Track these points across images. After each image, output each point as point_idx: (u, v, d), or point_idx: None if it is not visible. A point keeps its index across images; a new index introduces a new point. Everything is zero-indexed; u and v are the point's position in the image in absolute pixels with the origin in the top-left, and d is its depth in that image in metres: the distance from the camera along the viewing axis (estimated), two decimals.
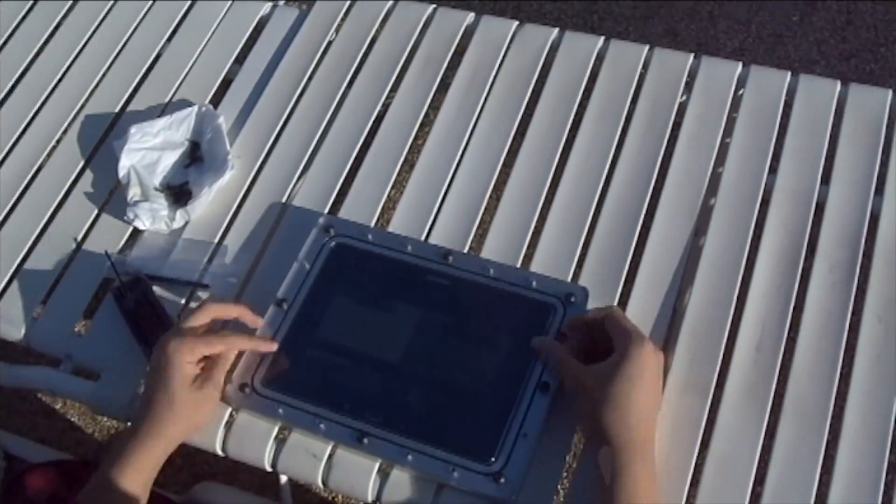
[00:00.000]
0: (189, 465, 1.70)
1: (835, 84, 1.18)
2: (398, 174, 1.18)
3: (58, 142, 1.28)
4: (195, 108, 1.24)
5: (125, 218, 1.17)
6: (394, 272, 1.07)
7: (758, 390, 0.98)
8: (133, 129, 1.21)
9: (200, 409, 0.98)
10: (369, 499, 0.98)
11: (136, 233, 1.18)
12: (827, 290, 1.04)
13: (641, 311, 1.04)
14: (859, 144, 1.13)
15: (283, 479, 1.34)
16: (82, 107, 1.31)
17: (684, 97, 1.20)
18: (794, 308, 1.03)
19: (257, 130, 1.25)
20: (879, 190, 1.10)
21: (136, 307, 1.09)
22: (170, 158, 1.23)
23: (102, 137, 1.28)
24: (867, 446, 0.95)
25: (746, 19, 2.12)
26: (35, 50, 1.37)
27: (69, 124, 1.30)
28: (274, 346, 1.03)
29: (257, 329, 1.04)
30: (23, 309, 1.14)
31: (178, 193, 1.20)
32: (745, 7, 2.14)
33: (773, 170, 1.12)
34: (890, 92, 1.17)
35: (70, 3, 1.41)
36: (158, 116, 1.24)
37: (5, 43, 1.39)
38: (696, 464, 0.95)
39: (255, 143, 1.23)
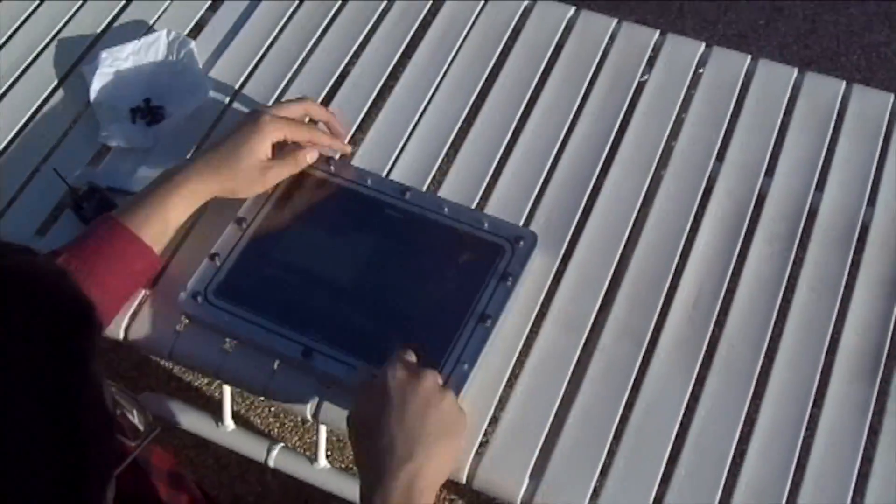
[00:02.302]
0: (132, 387, 1.72)
1: (792, 70, 1.23)
2: (364, 116, 1.22)
3: (30, 64, 1.29)
4: (163, 32, 1.26)
5: (97, 138, 1.19)
6: (352, 202, 1.10)
7: (690, 344, 1.03)
8: (104, 54, 1.23)
9: (258, 181, 1.07)
10: (308, 414, 1.01)
11: (106, 151, 1.20)
12: (765, 259, 1.09)
13: (586, 260, 1.08)
14: (810, 129, 1.18)
15: (227, 395, 1.37)
16: (59, 32, 1.33)
17: (646, 76, 1.24)
18: (733, 273, 1.08)
19: (234, 61, 1.27)
20: (825, 169, 1.16)
21: (97, 214, 1.11)
22: (139, 81, 1.25)
23: (76, 63, 1.30)
24: (791, 404, 1.00)
25: (714, 18, 2.18)
26: None
27: (43, 48, 1.31)
28: (349, 149, 1.15)
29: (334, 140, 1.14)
30: None
31: (150, 114, 1.22)
32: (715, 6, 2.21)
33: (725, 146, 1.17)
34: (843, 83, 1.22)
35: None
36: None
37: None
38: (623, 408, 1.00)
39: (230, 73, 1.26)
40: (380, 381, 0.90)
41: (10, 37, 1.32)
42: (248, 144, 1.04)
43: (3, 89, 1.27)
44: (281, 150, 1.08)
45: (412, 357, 0.95)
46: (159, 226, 1.02)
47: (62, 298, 0.60)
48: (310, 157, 1.10)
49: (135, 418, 0.85)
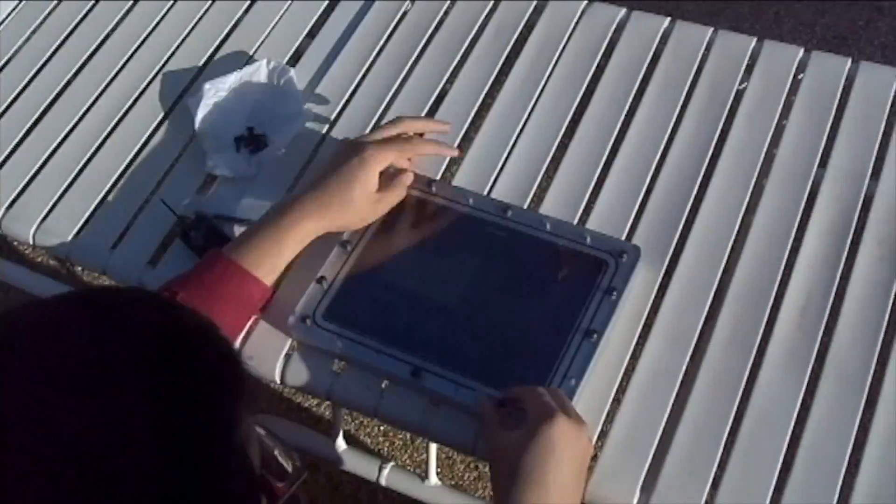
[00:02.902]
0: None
1: (894, 72, 1.21)
2: (463, 136, 1.23)
3: (139, 96, 1.35)
4: (263, 62, 1.30)
5: (203, 168, 1.23)
6: (455, 222, 1.12)
7: (800, 352, 1.02)
8: (207, 86, 1.28)
9: (369, 214, 1.10)
10: (417, 431, 1.03)
11: (212, 180, 1.24)
12: (874, 263, 1.07)
13: (691, 271, 1.08)
14: None
15: (338, 415, 1.39)
16: (164, 65, 1.38)
17: (745, 84, 1.23)
18: (841, 279, 1.06)
19: (332, 89, 1.30)
20: None
21: (206, 242, 1.15)
22: (242, 110, 1.29)
23: (181, 95, 1.34)
24: None
25: (812, 21, 2.15)
26: (124, 9, 1.44)
27: (150, 81, 1.36)
28: (457, 152, 1.19)
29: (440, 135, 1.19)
30: (102, 242, 1.21)
31: (253, 142, 1.26)
32: (812, 9, 2.17)
33: (828, 152, 1.16)
34: None
35: None
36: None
37: (96, 4, 1.46)
38: (734, 419, 0.99)
39: (330, 98, 1.29)
40: (542, 428, 0.88)
41: (118, 72, 1.37)
42: (357, 180, 1.07)
43: (113, 124, 1.32)
44: (384, 176, 1.11)
45: (565, 402, 0.94)
46: (272, 264, 1.05)
47: (209, 358, 0.61)
48: (410, 178, 1.12)
49: (282, 459, 0.87)
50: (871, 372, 1.00)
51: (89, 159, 1.29)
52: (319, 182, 1.08)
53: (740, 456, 0.97)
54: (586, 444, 0.91)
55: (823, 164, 1.15)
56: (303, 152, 1.24)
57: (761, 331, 1.03)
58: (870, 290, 1.05)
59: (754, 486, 0.95)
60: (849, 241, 1.08)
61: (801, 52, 1.24)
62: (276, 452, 0.86)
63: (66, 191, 1.26)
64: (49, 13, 1.46)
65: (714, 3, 2.19)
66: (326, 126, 1.27)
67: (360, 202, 1.07)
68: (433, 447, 1.45)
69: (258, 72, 1.29)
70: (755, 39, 1.26)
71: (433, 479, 1.46)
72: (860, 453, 0.96)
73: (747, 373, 1.01)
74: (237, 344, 1.08)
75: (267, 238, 1.05)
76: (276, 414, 1.75)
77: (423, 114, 1.25)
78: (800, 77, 1.23)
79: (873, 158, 1.15)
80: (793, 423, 0.98)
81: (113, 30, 1.42)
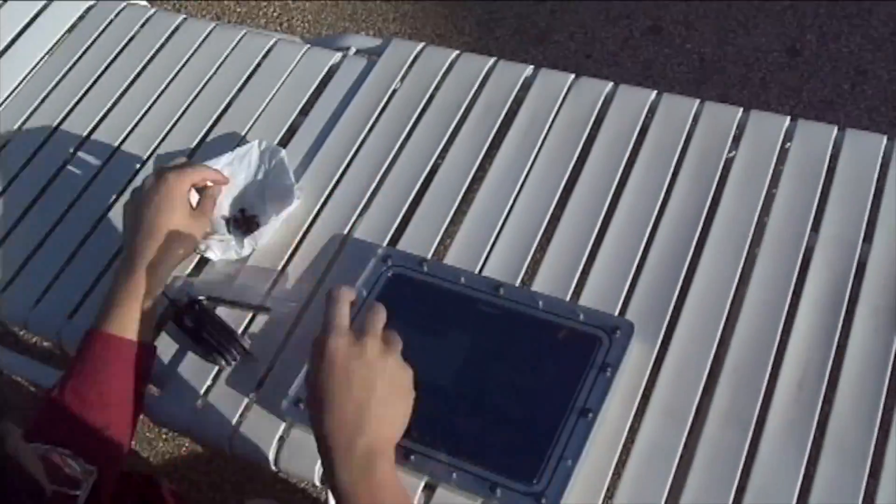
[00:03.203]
0: (238, 492, 1.75)
1: (881, 139, 1.21)
2: (455, 213, 1.24)
3: (132, 177, 1.36)
4: (255, 143, 1.30)
5: (196, 249, 1.23)
6: (447, 301, 1.11)
7: (799, 426, 1.01)
8: None
9: (196, 226, 1.17)
10: None
11: (203, 261, 1.24)
12: (870, 333, 1.06)
13: (685, 345, 1.07)
14: None
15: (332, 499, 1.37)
16: (157, 146, 1.39)
17: (733, 152, 1.24)
18: (837, 349, 1.06)
19: (323, 168, 1.31)
20: None
21: (198, 324, 1.15)
22: (234, 192, 1.29)
23: None
24: None
25: (797, 86, 2.17)
26: (118, 93, 1.46)
27: (144, 162, 1.37)
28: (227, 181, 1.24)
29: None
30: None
31: (245, 224, 1.26)
32: (797, 74, 2.20)
33: (818, 219, 1.16)
34: None
35: (154, 51, 1.50)
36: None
37: (94, 84, 1.48)
38: (734, 496, 0.97)
39: (320, 179, 1.29)
40: (323, 352, 0.89)
41: (112, 155, 1.39)
42: (167, 199, 1.13)
43: (106, 207, 1.32)
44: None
45: (345, 318, 0.92)
46: (138, 321, 1.08)
47: None
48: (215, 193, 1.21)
49: (70, 469, 0.90)
50: (873, 443, 0.99)
51: (83, 241, 1.30)
52: (134, 222, 1.14)
53: None
54: (376, 351, 0.91)
55: (815, 230, 1.15)
56: (295, 232, 1.24)
57: (759, 404, 1.02)
58: (867, 359, 1.04)
59: None
60: (843, 311, 1.08)
61: (788, 120, 1.25)
62: (63, 462, 0.90)
63: (59, 274, 1.27)
64: (44, 98, 1.48)
65: (702, 71, 2.22)
66: (319, 205, 1.27)
67: (178, 217, 1.14)
68: None
69: (250, 153, 1.30)
70: (741, 110, 1.27)
71: None
72: None
73: (746, 447, 1.00)
74: (230, 426, 1.08)
75: (122, 301, 1.08)
76: (272, 495, 1.72)
77: (413, 191, 1.26)
78: (787, 145, 1.23)
79: (864, 224, 1.15)
80: (795, 499, 0.97)
81: (107, 113, 1.44)
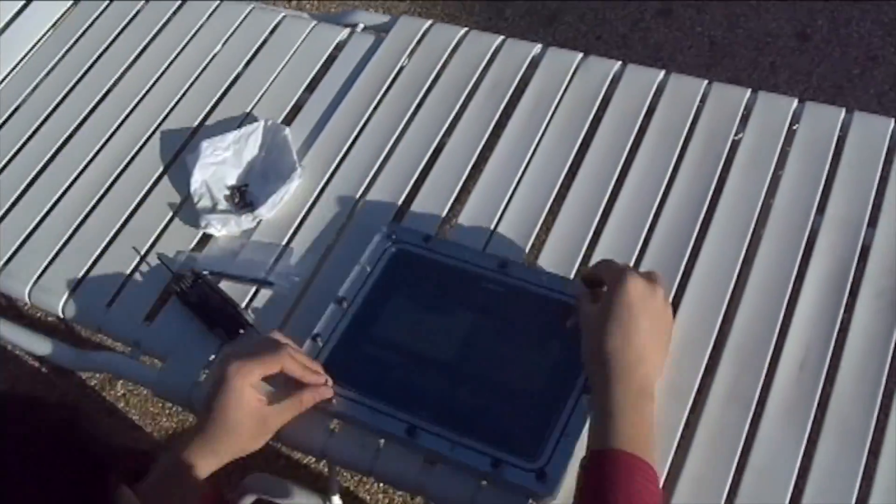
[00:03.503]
0: (240, 467, 1.75)
1: (889, 122, 1.21)
2: (460, 191, 1.24)
3: (137, 153, 1.36)
4: (262, 122, 1.30)
5: (198, 225, 1.23)
6: (451, 278, 1.11)
7: (800, 406, 1.01)
8: (205, 144, 1.28)
9: (262, 434, 1.01)
10: (413, 490, 1.02)
11: (207, 237, 1.24)
12: (873, 314, 1.06)
13: (689, 324, 1.07)
14: None
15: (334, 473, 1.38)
16: (162, 121, 1.39)
17: (740, 134, 1.23)
18: (840, 330, 1.05)
19: (328, 144, 1.31)
20: None
21: (201, 299, 1.15)
22: (239, 170, 1.30)
23: (178, 151, 1.35)
24: None
25: (808, 70, 2.16)
26: (123, 67, 1.46)
27: (148, 138, 1.37)
28: (330, 393, 1.04)
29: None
30: (97, 299, 1.21)
31: (247, 200, 1.26)
32: (808, 59, 2.18)
33: (824, 202, 1.15)
34: None
35: (161, 24, 1.50)
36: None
37: (98, 58, 1.48)
38: (734, 474, 0.98)
39: (325, 156, 1.29)
40: (623, 282, 0.96)
41: (116, 129, 1.39)
42: (230, 407, 0.97)
43: (110, 181, 1.33)
44: (276, 381, 1.02)
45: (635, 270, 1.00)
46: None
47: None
48: (309, 398, 1.02)
49: None
50: (874, 423, 0.99)
51: (86, 217, 1.30)
52: (201, 420, 0.98)
53: None
54: (662, 298, 0.99)
55: (820, 213, 1.15)
56: (297, 210, 1.24)
57: (760, 384, 1.02)
58: (869, 341, 1.04)
59: None
60: (846, 293, 1.08)
61: (796, 102, 1.24)
62: None
63: (62, 248, 1.27)
64: (49, 71, 1.48)
65: (712, 55, 2.21)
66: (322, 183, 1.27)
67: (244, 425, 0.98)
68: None
69: (255, 131, 1.30)
70: (750, 91, 1.26)
71: None
72: None
73: (748, 426, 1.00)
74: None
75: (170, 495, 0.95)
76: (274, 471, 1.73)
77: (418, 169, 1.26)
78: (795, 127, 1.23)
79: (870, 207, 1.14)
80: (794, 478, 0.97)
81: (112, 87, 1.44)
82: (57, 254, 1.26)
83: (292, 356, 1.01)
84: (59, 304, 1.22)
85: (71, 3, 1.58)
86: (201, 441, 0.97)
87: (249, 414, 0.98)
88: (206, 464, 0.97)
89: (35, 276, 1.25)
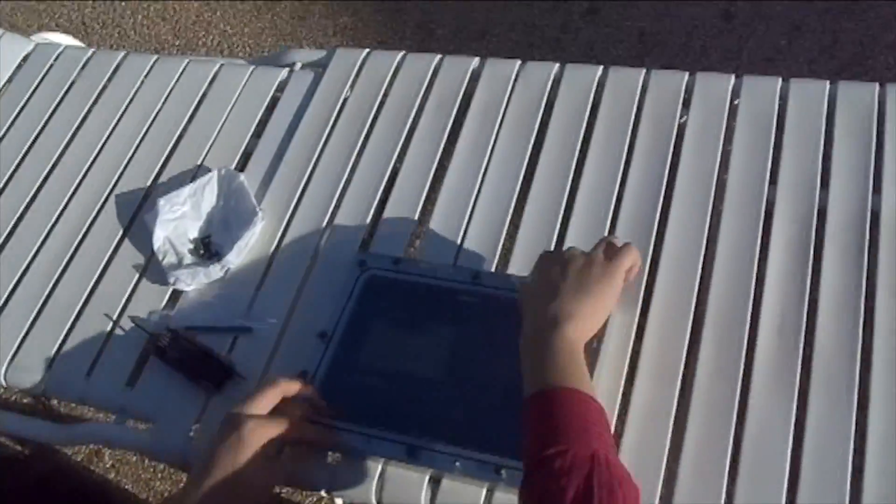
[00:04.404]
0: None
1: (824, 84, 1.24)
2: (422, 210, 1.25)
3: (94, 219, 1.35)
4: (216, 171, 1.31)
5: (167, 282, 1.23)
6: (427, 296, 1.12)
7: (784, 372, 1.02)
8: (162, 202, 1.28)
9: (270, 481, 1.01)
10: None
11: (178, 293, 1.24)
12: (839, 271, 1.08)
13: (665, 309, 1.08)
14: (854, 136, 1.19)
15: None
16: (115, 185, 1.38)
17: (684, 116, 1.26)
18: (811, 291, 1.08)
19: (285, 184, 1.31)
20: (877, 174, 1.16)
21: (181, 355, 1.15)
22: (200, 222, 1.30)
23: (136, 212, 1.35)
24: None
25: (738, 48, 2.20)
26: (68, 136, 1.45)
27: (103, 203, 1.36)
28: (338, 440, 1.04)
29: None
30: (75, 369, 1.20)
31: (212, 251, 1.26)
32: (735, 37, 2.23)
33: (775, 170, 1.18)
34: (877, 85, 1.23)
35: (100, 89, 1.50)
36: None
37: (41, 131, 1.47)
38: (732, 448, 0.99)
39: (283, 196, 1.30)
40: (538, 264, 1.04)
41: (70, 198, 1.38)
42: (239, 462, 0.95)
43: (72, 250, 1.32)
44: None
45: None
46: None
47: None
48: (317, 445, 1.06)
49: None
50: (857, 377, 1.01)
51: (52, 290, 1.29)
52: (204, 470, 0.95)
53: (745, 484, 0.97)
54: (586, 262, 1.02)
55: (773, 181, 1.17)
56: (263, 253, 1.25)
57: (744, 356, 1.04)
58: (839, 297, 1.07)
59: None
60: (811, 255, 1.10)
61: (733, 78, 1.27)
62: None
63: (32, 325, 1.25)
64: None
65: (643, 46, 2.25)
66: (284, 223, 1.27)
67: (254, 481, 0.97)
68: None
69: (210, 181, 1.30)
70: (687, 74, 1.29)
71: None
72: (862, 458, 0.97)
73: (737, 399, 1.02)
74: None
75: None
76: None
77: (378, 193, 1.27)
78: (736, 102, 1.25)
79: (819, 169, 1.17)
80: (791, 441, 0.99)
81: (59, 158, 1.43)
82: (28, 331, 1.25)
83: (307, 421, 1.04)
84: (37, 381, 1.21)
85: (6, 81, 1.57)
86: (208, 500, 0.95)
87: (262, 475, 0.97)
88: None
89: (8, 358, 1.23)
